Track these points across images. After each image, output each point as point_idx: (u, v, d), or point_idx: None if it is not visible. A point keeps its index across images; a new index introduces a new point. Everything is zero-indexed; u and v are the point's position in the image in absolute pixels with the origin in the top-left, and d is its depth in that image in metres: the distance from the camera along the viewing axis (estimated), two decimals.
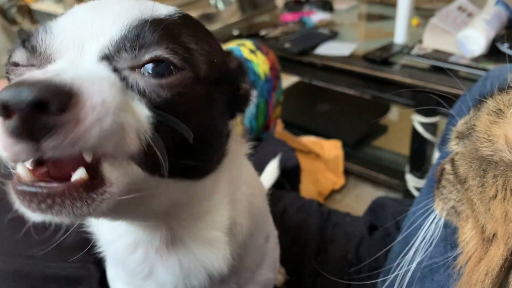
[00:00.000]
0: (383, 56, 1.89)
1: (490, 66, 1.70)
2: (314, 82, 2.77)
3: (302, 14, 2.38)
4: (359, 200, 2.23)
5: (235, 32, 2.26)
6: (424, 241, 0.64)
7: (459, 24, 1.88)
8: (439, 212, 0.63)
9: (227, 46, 1.68)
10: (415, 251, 0.68)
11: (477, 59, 1.75)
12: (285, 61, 2.01)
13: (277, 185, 1.31)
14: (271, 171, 1.29)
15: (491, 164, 0.46)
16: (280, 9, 2.69)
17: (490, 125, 0.48)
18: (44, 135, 0.38)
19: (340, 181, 2.28)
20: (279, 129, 2.19)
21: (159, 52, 0.47)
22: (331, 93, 2.77)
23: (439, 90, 1.71)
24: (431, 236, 0.63)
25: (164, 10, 0.53)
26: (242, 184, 0.66)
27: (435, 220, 0.61)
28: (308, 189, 2.03)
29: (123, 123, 0.42)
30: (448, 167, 0.54)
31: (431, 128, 1.87)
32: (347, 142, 2.36)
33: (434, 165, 1.05)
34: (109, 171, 0.43)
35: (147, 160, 0.46)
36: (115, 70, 0.47)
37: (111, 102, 0.42)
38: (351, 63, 1.93)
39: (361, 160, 2.35)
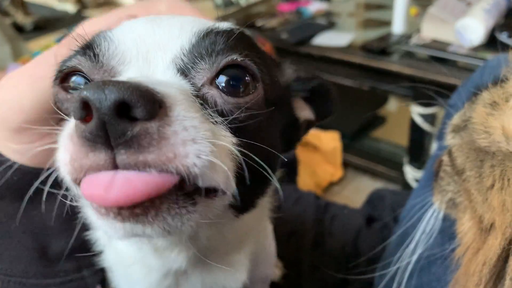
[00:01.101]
0: (381, 46, 1.87)
1: (489, 56, 1.68)
2: None
3: (299, 4, 2.36)
4: (358, 192, 2.23)
5: (232, 23, 2.23)
6: (423, 234, 0.63)
7: (458, 13, 1.85)
8: (438, 204, 0.62)
9: None
10: (414, 244, 0.68)
11: (476, 49, 1.73)
12: (282, 52, 1.99)
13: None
14: None
15: (488, 155, 0.46)
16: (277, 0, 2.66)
17: (486, 116, 0.47)
18: (123, 144, 0.33)
19: (338, 173, 2.27)
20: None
21: (235, 56, 0.44)
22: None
23: (438, 80, 1.69)
24: (430, 228, 0.62)
25: (225, 25, 0.50)
26: (268, 209, 0.65)
27: (434, 213, 0.60)
28: (305, 181, 2.02)
29: (217, 153, 0.37)
30: (445, 158, 0.54)
31: (430, 118, 1.85)
32: (345, 134, 2.35)
33: (431, 157, 1.03)
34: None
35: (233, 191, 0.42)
36: (192, 85, 0.43)
37: (206, 130, 0.37)
38: (348, 53, 1.92)
39: (359, 152, 2.34)
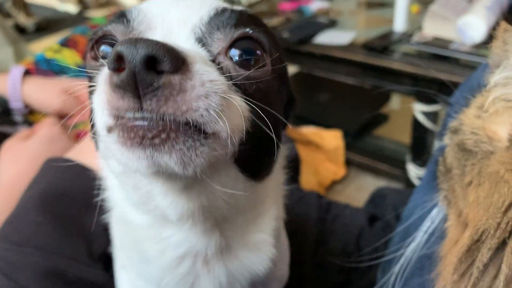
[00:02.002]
0: (382, 45, 1.87)
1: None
2: (313, 72, 2.75)
3: (301, 2, 2.36)
4: (361, 190, 2.23)
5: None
6: (426, 232, 0.64)
7: (459, 10, 1.85)
8: (441, 202, 0.63)
9: None
10: (416, 242, 0.68)
11: (478, 46, 1.73)
12: (284, 50, 1.99)
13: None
14: None
15: (472, 154, 0.50)
16: None
17: (474, 119, 0.51)
18: (150, 93, 0.38)
19: (341, 171, 2.28)
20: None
21: (247, 30, 0.49)
22: (331, 83, 2.75)
23: (440, 78, 1.69)
24: (434, 227, 0.63)
25: (238, 7, 0.55)
26: (282, 183, 0.67)
27: (439, 212, 0.61)
28: (308, 180, 2.02)
29: (231, 105, 0.43)
30: (441, 159, 0.56)
31: (432, 116, 1.85)
32: (347, 132, 2.35)
33: (433, 156, 1.04)
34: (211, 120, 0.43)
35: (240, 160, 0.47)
36: (209, 52, 0.48)
37: (223, 84, 0.43)
38: (350, 51, 1.92)
39: (362, 150, 2.34)
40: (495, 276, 0.45)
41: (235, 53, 0.49)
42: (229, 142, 0.43)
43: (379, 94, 2.61)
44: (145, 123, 0.39)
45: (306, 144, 2.21)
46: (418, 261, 0.68)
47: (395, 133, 2.44)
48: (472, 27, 1.72)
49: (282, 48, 0.58)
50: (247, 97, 0.47)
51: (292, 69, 2.86)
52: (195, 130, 0.41)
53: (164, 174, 0.43)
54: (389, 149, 2.36)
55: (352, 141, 2.36)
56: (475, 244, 0.47)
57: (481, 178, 0.48)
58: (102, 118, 0.41)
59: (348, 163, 2.33)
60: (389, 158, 2.27)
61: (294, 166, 1.55)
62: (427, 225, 0.61)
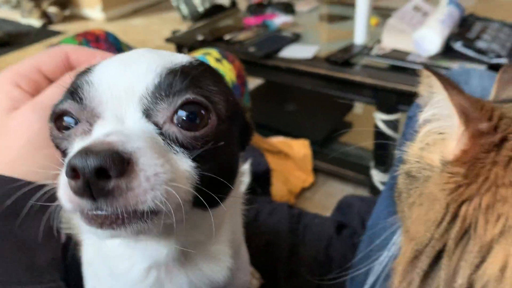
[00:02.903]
0: (344, 58, 1.96)
1: (446, 64, 1.78)
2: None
3: (265, 17, 2.43)
4: (329, 196, 2.30)
5: (200, 37, 2.28)
6: (390, 243, 0.71)
7: (415, 24, 1.96)
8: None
9: (193, 55, 1.69)
10: (379, 252, 0.74)
11: (433, 58, 1.84)
12: (250, 64, 2.05)
13: (249, 190, 1.36)
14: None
15: (416, 179, 0.58)
16: (243, 13, 2.72)
17: (417, 150, 0.60)
18: (103, 196, 0.45)
19: (309, 179, 2.35)
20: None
21: (189, 95, 0.53)
22: (297, 92, 2.82)
23: (398, 88, 1.79)
24: (397, 238, 0.70)
25: (184, 59, 0.59)
26: (239, 200, 0.72)
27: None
28: (279, 188, 2.08)
29: (174, 187, 0.49)
30: (395, 186, 0.64)
31: (393, 124, 1.94)
32: (314, 140, 2.43)
33: (391, 171, 1.11)
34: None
35: (194, 199, 0.53)
36: (156, 125, 0.53)
37: (166, 172, 0.48)
38: (314, 65, 1.99)
39: (328, 158, 2.41)
40: (437, 282, 0.53)
41: (180, 116, 0.53)
42: (182, 208, 0.50)
43: (343, 102, 2.71)
44: (104, 212, 0.47)
45: (276, 154, 2.27)
46: (384, 270, 0.75)
47: (359, 139, 2.53)
48: (427, 39, 1.82)
49: (232, 96, 0.62)
50: (197, 156, 0.53)
51: (258, 81, 2.93)
52: (145, 213, 0.48)
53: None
54: (355, 155, 2.44)
55: (319, 149, 2.43)
56: (417, 254, 0.55)
57: (422, 199, 0.56)
58: (65, 204, 0.49)
59: (316, 170, 2.41)
60: (354, 164, 2.35)
61: (265, 179, 1.61)
62: (391, 246, 0.68)
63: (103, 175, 0.44)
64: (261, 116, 2.63)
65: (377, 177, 2.09)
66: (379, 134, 1.99)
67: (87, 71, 0.58)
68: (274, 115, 2.69)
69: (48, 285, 0.69)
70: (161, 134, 0.53)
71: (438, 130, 0.56)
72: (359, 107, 2.74)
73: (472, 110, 0.52)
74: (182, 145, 0.53)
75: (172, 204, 0.49)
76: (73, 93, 0.55)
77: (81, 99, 0.54)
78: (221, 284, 0.68)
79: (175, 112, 0.53)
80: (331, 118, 2.62)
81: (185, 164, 0.52)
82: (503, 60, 1.70)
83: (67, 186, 0.47)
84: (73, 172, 0.44)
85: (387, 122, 1.93)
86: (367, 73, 1.90)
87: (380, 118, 1.93)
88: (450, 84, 0.53)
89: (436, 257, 0.55)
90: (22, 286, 0.66)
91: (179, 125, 0.53)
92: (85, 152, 0.44)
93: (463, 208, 0.52)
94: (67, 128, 0.56)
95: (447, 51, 1.84)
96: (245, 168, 1.40)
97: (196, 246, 0.65)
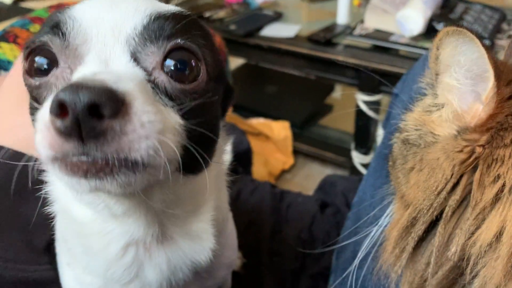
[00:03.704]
0: (326, 37, 1.93)
1: (428, 45, 1.77)
2: (260, 64, 2.78)
3: None
4: (309, 178, 2.29)
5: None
6: (380, 226, 0.69)
7: (398, 4, 1.94)
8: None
9: None
10: (367, 228, 0.72)
11: (415, 38, 1.82)
12: (231, 43, 2.00)
13: (230, 169, 1.33)
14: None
15: (415, 145, 0.56)
16: None
17: (417, 118, 0.57)
18: (92, 137, 0.39)
19: (289, 161, 2.33)
20: (228, 112, 2.18)
21: (180, 40, 0.49)
22: (277, 74, 2.79)
23: (381, 68, 1.77)
24: (386, 215, 0.67)
25: (174, 8, 0.55)
26: (223, 172, 0.69)
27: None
28: (259, 170, 2.06)
29: (164, 141, 0.44)
30: (389, 155, 0.62)
31: (374, 106, 1.93)
32: (294, 123, 2.40)
33: (379, 146, 1.09)
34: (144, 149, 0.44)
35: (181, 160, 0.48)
36: (145, 71, 0.48)
37: (158, 121, 0.44)
38: (296, 44, 1.96)
39: (308, 140, 2.40)
40: (430, 249, 0.53)
41: (170, 63, 0.49)
42: (168, 167, 0.46)
43: (324, 85, 2.69)
44: (89, 158, 0.41)
45: (256, 136, 2.24)
46: (372, 247, 0.73)
47: (339, 122, 2.52)
48: (410, 20, 1.80)
49: (217, 50, 0.59)
50: (184, 108, 0.49)
51: (239, 61, 2.88)
52: (135, 164, 0.43)
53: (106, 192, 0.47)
54: (334, 138, 2.44)
55: (299, 131, 2.42)
56: (413, 221, 0.54)
57: (422, 164, 0.54)
58: (44, 151, 0.42)
59: (296, 152, 2.39)
60: (334, 146, 2.34)
61: (246, 158, 1.58)
62: (383, 220, 0.66)
63: (95, 114, 0.38)
64: (241, 97, 2.59)
65: (358, 159, 2.09)
66: (359, 116, 1.98)
67: (68, 7, 0.52)
68: (255, 96, 2.66)
69: (44, 267, 0.69)
70: (150, 82, 0.48)
71: (458, 95, 0.53)
72: (339, 91, 2.73)
73: (502, 71, 0.50)
74: (170, 98, 0.49)
75: (163, 158, 0.44)
76: (54, 27, 0.49)
77: (63, 34, 0.48)
78: (204, 265, 0.64)
79: (165, 58, 0.49)
80: (311, 101, 2.60)
81: (173, 118, 0.48)
82: (485, 42, 1.69)
83: (49, 128, 0.40)
84: (60, 110, 0.38)
85: (368, 103, 1.91)
86: (349, 53, 1.87)
87: (361, 99, 1.91)
88: (483, 42, 0.49)
89: (431, 224, 0.53)
90: (17, 264, 0.67)
91: (169, 74, 0.49)
92: (76, 86, 0.38)
93: (465, 176, 0.50)
94: (40, 71, 0.50)
95: (430, 32, 1.83)
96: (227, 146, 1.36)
97: (176, 223, 0.61)
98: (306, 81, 2.79)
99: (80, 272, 0.66)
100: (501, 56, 0.67)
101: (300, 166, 2.39)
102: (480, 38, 0.50)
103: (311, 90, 2.71)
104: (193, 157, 0.50)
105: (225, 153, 0.70)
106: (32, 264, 0.68)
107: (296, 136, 2.37)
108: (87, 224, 0.59)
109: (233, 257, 0.83)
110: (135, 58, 0.48)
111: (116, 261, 0.60)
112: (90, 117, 0.38)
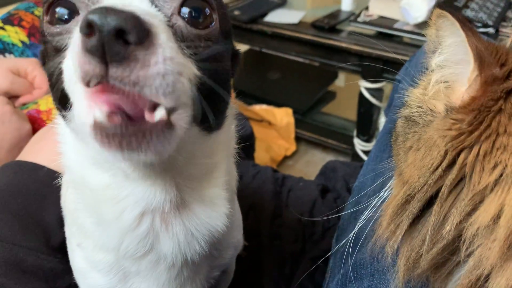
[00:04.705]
0: (330, 24, 1.92)
1: None
2: (264, 50, 2.78)
3: None
4: (310, 164, 2.31)
5: None
6: (378, 201, 0.70)
7: None
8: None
9: None
10: (369, 211, 0.73)
11: (420, 25, 1.81)
12: (235, 29, 1.99)
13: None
14: None
15: (415, 124, 0.57)
16: None
17: (419, 95, 0.59)
18: (115, 61, 0.40)
19: (292, 147, 2.34)
20: (231, 98, 2.19)
21: None
22: (281, 61, 2.79)
23: (385, 55, 1.77)
24: (386, 196, 0.68)
25: None
26: (233, 140, 0.69)
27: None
28: (261, 156, 2.07)
29: (183, 82, 0.45)
30: (393, 130, 0.62)
31: (377, 93, 1.94)
32: (297, 109, 2.41)
33: (382, 130, 1.10)
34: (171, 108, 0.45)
35: (195, 110, 0.49)
36: (164, 14, 0.49)
37: (179, 62, 0.44)
38: (300, 30, 1.96)
39: (311, 126, 2.41)
40: (427, 226, 0.54)
41: (185, 11, 0.50)
42: (190, 112, 0.47)
43: (327, 71, 2.69)
44: (118, 130, 0.42)
45: (259, 122, 2.25)
46: (371, 229, 0.74)
47: (342, 109, 2.52)
48: (414, 7, 1.80)
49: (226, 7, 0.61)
50: (199, 57, 0.49)
51: (243, 47, 2.88)
52: (165, 125, 0.44)
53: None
54: (337, 125, 2.44)
55: (302, 118, 2.42)
56: (408, 198, 0.55)
57: (419, 144, 0.55)
58: (85, 116, 0.44)
59: (298, 139, 2.40)
60: (336, 133, 2.35)
61: (249, 143, 1.59)
62: (383, 193, 0.67)
63: (121, 38, 0.39)
64: (244, 84, 2.59)
65: (360, 146, 2.10)
66: (362, 102, 1.98)
67: None
68: (258, 83, 2.66)
69: (59, 260, 0.76)
70: (169, 27, 0.49)
71: (447, 75, 0.54)
72: (342, 78, 2.73)
73: (487, 54, 0.50)
74: (187, 46, 0.49)
75: (182, 100, 0.45)
76: None
77: None
78: (221, 233, 0.63)
79: (181, 5, 0.50)
80: (315, 87, 2.60)
81: (190, 67, 0.48)
82: (490, 30, 1.69)
83: (78, 47, 0.41)
84: (89, 29, 0.39)
85: (371, 91, 1.92)
86: (353, 40, 1.87)
87: (364, 86, 1.92)
88: (466, 26, 0.50)
89: (427, 202, 0.54)
90: (38, 253, 0.75)
91: (185, 20, 0.50)
92: (106, 9, 0.39)
93: (462, 156, 0.51)
94: (61, 21, 0.51)
95: None
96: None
97: (193, 186, 0.60)
98: (310, 68, 2.79)
99: (91, 250, 0.65)
100: (505, 43, 0.67)
101: (302, 153, 2.41)
102: (463, 21, 0.51)
103: (314, 77, 2.71)
104: (207, 111, 0.51)
105: (234, 124, 0.70)
106: (50, 256, 0.76)
107: (299, 123, 2.38)
108: (100, 191, 0.58)
109: (239, 237, 0.83)
110: (155, 5, 0.49)
111: (131, 231, 0.58)
112: (116, 41, 0.39)
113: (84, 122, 0.44)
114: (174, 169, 0.56)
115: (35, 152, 0.87)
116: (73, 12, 0.50)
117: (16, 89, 1.13)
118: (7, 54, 1.40)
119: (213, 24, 0.52)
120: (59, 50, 0.51)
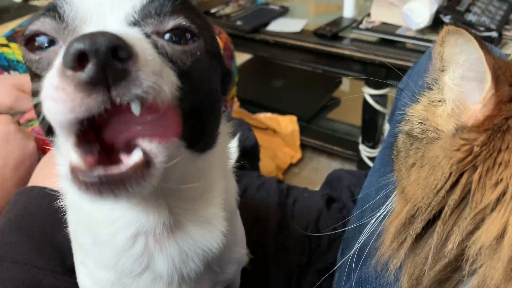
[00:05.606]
0: (333, 31, 1.92)
1: (435, 38, 1.76)
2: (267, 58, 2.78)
3: None
4: (316, 172, 2.30)
5: None
6: (380, 215, 0.69)
7: None
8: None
9: None
10: (371, 225, 0.73)
11: (422, 31, 1.81)
12: (238, 38, 2.00)
13: (237, 166, 1.34)
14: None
15: (418, 140, 0.57)
16: None
17: (422, 111, 0.58)
18: (116, 81, 0.39)
19: (297, 154, 2.34)
20: (235, 107, 2.20)
21: (181, 21, 0.50)
22: (284, 69, 2.79)
23: (388, 62, 1.76)
24: (389, 210, 0.68)
25: None
26: (229, 158, 0.69)
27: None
28: (267, 164, 2.07)
29: (163, 88, 0.44)
30: (394, 145, 0.62)
31: (381, 99, 1.93)
32: (302, 117, 2.41)
33: (383, 143, 1.10)
34: (149, 146, 0.45)
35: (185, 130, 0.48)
36: (144, 34, 0.49)
37: (158, 59, 0.44)
38: (302, 39, 1.95)
39: (316, 133, 2.41)
40: (429, 244, 0.53)
41: (167, 36, 0.50)
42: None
43: (331, 78, 2.68)
44: (95, 179, 0.41)
45: (264, 130, 2.25)
46: (375, 243, 0.74)
47: (347, 116, 2.52)
48: (416, 13, 1.79)
49: (214, 32, 0.60)
50: (183, 74, 0.49)
51: (246, 56, 2.88)
52: (142, 166, 0.43)
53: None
54: (342, 131, 2.44)
55: (307, 125, 2.42)
56: (411, 219, 0.55)
57: (423, 161, 0.54)
58: (60, 117, 0.41)
59: (304, 146, 2.40)
60: (342, 140, 2.35)
61: (254, 154, 1.59)
62: (386, 205, 0.67)
63: (114, 56, 0.38)
64: (248, 92, 2.60)
65: (365, 152, 2.09)
66: (367, 109, 1.98)
67: None
68: (262, 91, 2.66)
69: (74, 280, 0.76)
70: (150, 43, 0.48)
71: (457, 94, 0.53)
72: (346, 84, 2.72)
73: (502, 72, 0.50)
74: (170, 60, 0.49)
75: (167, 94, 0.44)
76: (51, 10, 0.50)
77: (60, 17, 0.49)
78: (216, 252, 0.63)
79: (164, 33, 0.50)
80: (319, 94, 2.60)
81: (170, 75, 0.47)
82: (493, 34, 1.68)
83: (64, 88, 0.39)
84: (78, 61, 0.37)
85: (375, 97, 1.91)
86: (356, 46, 1.86)
87: (368, 92, 1.91)
88: (482, 43, 0.50)
89: (430, 220, 0.54)
90: (56, 274, 0.77)
91: (168, 41, 0.50)
92: (89, 35, 0.37)
93: (465, 175, 0.50)
94: (41, 48, 0.50)
95: (437, 25, 1.82)
96: (234, 143, 1.37)
97: (187, 207, 0.60)
98: (313, 75, 2.79)
99: (93, 268, 0.67)
100: (509, 47, 0.67)
101: (307, 160, 2.40)
102: (480, 38, 0.50)
103: (318, 83, 2.71)
104: (196, 130, 0.51)
105: (230, 142, 0.71)
106: (65, 275, 0.78)
107: (304, 130, 2.37)
108: (95, 213, 0.59)
109: (243, 252, 0.83)
110: (136, 25, 0.49)
111: (126, 251, 0.59)
112: (113, 60, 0.38)
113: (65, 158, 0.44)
114: (166, 193, 0.57)
115: (43, 177, 0.90)
116: (52, 41, 0.50)
117: (21, 106, 1.14)
118: (11, 71, 1.41)
119: (198, 40, 0.52)
120: (39, 77, 0.50)
